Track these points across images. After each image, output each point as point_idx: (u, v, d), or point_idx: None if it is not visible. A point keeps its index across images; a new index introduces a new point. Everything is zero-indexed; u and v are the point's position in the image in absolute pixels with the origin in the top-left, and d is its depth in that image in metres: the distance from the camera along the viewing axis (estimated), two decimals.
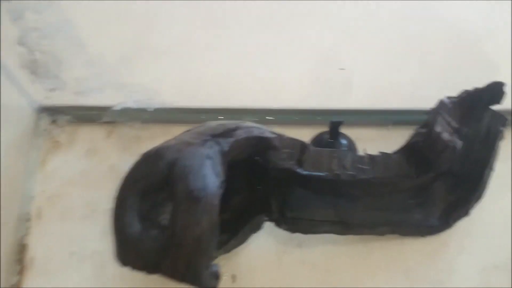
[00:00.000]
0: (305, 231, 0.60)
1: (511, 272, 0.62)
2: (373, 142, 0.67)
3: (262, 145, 0.55)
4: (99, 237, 0.63)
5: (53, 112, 0.71)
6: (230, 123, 0.54)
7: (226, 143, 0.51)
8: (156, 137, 0.68)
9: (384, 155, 0.60)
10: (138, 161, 0.50)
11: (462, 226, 0.62)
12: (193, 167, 0.47)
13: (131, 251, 0.47)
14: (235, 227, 0.59)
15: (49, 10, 0.58)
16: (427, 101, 0.64)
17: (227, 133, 0.52)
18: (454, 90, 0.62)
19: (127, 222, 0.47)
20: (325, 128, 0.67)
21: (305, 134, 0.68)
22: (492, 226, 0.64)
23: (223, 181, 0.48)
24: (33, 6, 0.57)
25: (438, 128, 0.58)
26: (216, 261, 0.58)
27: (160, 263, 0.46)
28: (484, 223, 0.64)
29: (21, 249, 0.64)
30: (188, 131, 0.54)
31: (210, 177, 0.47)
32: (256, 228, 0.61)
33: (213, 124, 0.54)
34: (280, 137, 0.56)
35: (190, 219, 0.45)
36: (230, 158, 0.52)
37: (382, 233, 0.62)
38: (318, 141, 0.67)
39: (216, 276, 0.48)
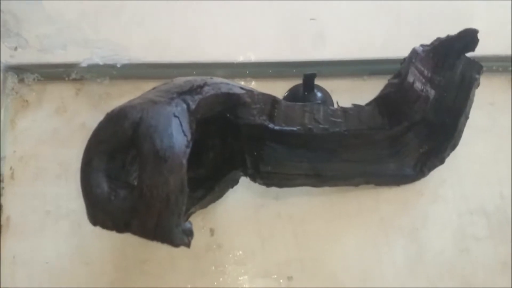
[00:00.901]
0: (280, 185, 0.60)
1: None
2: (349, 93, 0.67)
3: (231, 101, 0.54)
4: (74, 196, 0.63)
5: (19, 71, 0.69)
6: (197, 79, 0.52)
7: (192, 101, 0.50)
8: (125, 94, 0.68)
9: (356, 107, 0.59)
10: (102, 121, 0.48)
11: (436, 174, 0.63)
12: (158, 127, 0.45)
13: (99, 212, 0.46)
14: (210, 182, 0.59)
15: None
16: (403, 50, 0.63)
17: (194, 90, 0.51)
18: (429, 38, 0.61)
19: (94, 183, 0.46)
20: (300, 81, 0.66)
21: (279, 87, 0.68)
22: (466, 173, 0.65)
23: (191, 140, 0.47)
24: None
25: (410, 78, 0.57)
26: (193, 216, 0.60)
27: (130, 223, 0.46)
28: (458, 171, 0.65)
29: None
30: (153, 89, 0.53)
31: (176, 136, 0.46)
32: (233, 183, 0.61)
33: (180, 81, 0.52)
34: (250, 92, 0.55)
35: (157, 179, 0.44)
36: (199, 116, 0.50)
37: (357, 184, 0.62)
38: (293, 94, 0.67)
39: (189, 233, 0.47)
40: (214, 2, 0.65)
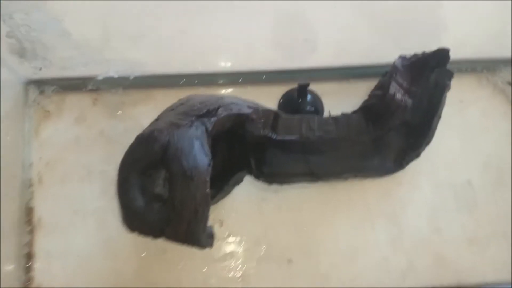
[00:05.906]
0: (280, 183, 0.68)
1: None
2: (336, 95, 0.73)
3: (240, 119, 0.60)
4: (98, 195, 0.69)
5: (40, 84, 0.73)
6: (212, 101, 0.59)
7: (209, 123, 0.56)
8: (138, 102, 0.73)
9: (345, 116, 0.66)
10: (134, 144, 0.55)
11: (413, 166, 0.69)
12: (184, 149, 0.52)
13: (137, 221, 0.54)
14: (220, 183, 0.65)
15: (37, 11, 0.59)
16: (382, 57, 0.70)
17: (210, 113, 0.57)
18: (406, 46, 0.67)
19: (132, 197, 0.53)
20: (294, 85, 0.72)
21: (275, 92, 0.74)
22: (439, 165, 0.72)
23: (211, 159, 0.54)
24: (22, 8, 0.59)
25: (391, 91, 0.64)
26: None
27: (164, 230, 0.53)
28: (432, 163, 0.72)
29: (28, 212, 0.68)
30: (172, 110, 0.59)
31: (199, 157, 0.53)
32: (238, 181, 0.68)
33: (196, 102, 0.59)
34: (256, 109, 0.62)
35: (186, 195, 0.51)
36: (213, 134, 0.57)
37: (346, 178, 0.69)
38: (287, 99, 0.73)
39: (211, 236, 0.55)
40: (219, 15, 0.68)
